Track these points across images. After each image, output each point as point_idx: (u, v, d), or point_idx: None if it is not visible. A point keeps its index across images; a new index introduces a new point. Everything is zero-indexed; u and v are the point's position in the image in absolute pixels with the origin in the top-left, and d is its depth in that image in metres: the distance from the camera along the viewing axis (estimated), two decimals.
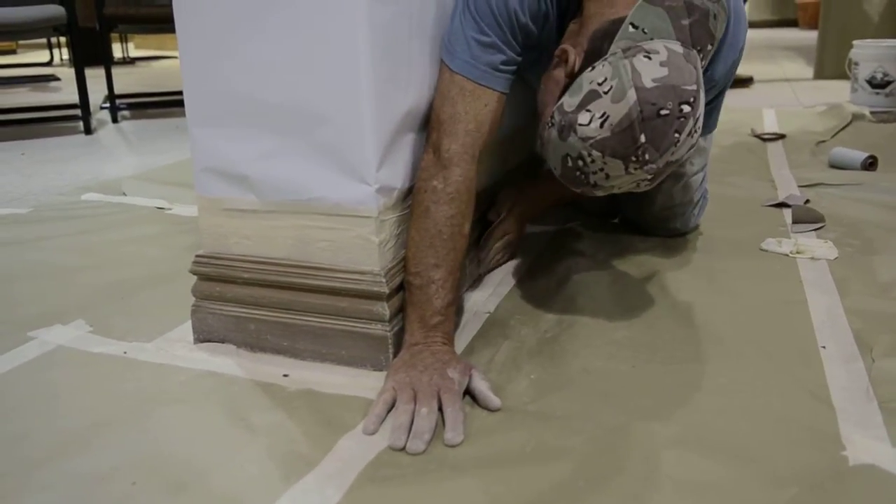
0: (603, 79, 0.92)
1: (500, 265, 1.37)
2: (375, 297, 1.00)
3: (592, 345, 1.07)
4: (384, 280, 0.99)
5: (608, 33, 0.95)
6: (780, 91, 3.57)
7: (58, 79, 4.92)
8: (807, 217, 1.58)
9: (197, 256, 1.09)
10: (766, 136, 2.47)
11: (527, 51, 1.08)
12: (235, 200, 1.05)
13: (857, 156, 2.03)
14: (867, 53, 3.11)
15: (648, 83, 0.90)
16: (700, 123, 0.95)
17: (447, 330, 0.99)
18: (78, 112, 3.02)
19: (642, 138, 0.90)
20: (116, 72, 3.32)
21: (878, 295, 1.21)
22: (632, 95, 0.89)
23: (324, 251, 1.02)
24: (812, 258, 1.37)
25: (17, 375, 1.03)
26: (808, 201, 1.70)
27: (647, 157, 0.91)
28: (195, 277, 1.10)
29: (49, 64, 6.41)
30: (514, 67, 1.07)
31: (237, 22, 0.96)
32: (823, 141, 2.38)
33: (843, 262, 1.35)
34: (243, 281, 1.06)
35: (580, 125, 0.92)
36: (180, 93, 1.06)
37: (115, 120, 3.28)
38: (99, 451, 0.85)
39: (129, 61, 6.77)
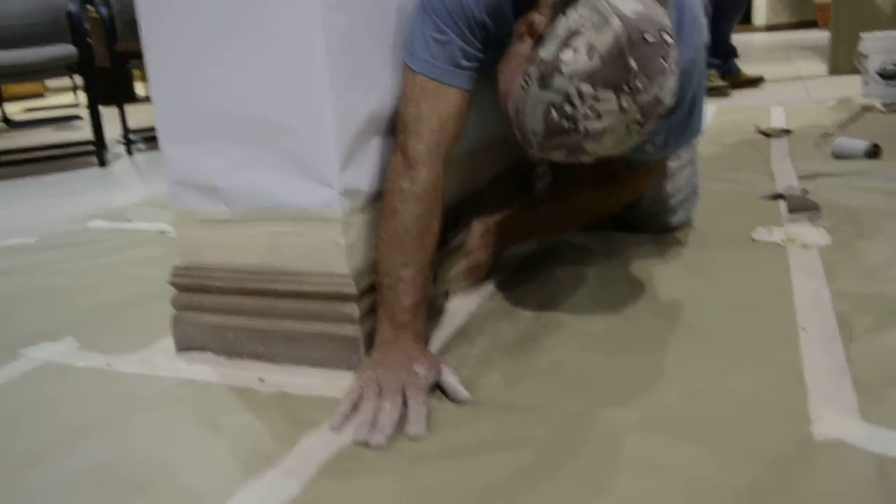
0: (580, 17, 0.89)
1: (463, 289, 1.27)
2: (345, 298, 1.01)
3: (567, 338, 1.06)
4: (353, 281, 1.00)
5: None
6: (792, 89, 3.53)
7: (80, 118, 5.05)
8: (801, 206, 1.56)
9: (175, 269, 1.11)
10: (771, 132, 2.44)
11: (487, 49, 1.08)
12: (208, 211, 1.07)
13: (860, 145, 2.00)
14: (876, 45, 3.06)
15: (629, 12, 0.88)
16: (676, 67, 0.92)
17: (417, 327, 1.00)
18: (93, 148, 3.10)
19: (633, 63, 0.87)
20: (138, 108, 3.40)
21: (865, 277, 1.19)
22: (616, 22, 0.87)
23: (294, 256, 1.03)
24: (804, 245, 1.35)
25: (2, 390, 1.06)
26: (805, 192, 1.67)
27: (639, 84, 0.88)
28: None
29: (74, 106, 6.57)
30: (475, 64, 1.08)
31: (202, 40, 0.99)
32: (829, 134, 2.35)
33: (835, 248, 1.33)
34: (219, 290, 1.08)
35: (565, 63, 0.88)
36: None
37: (129, 153, 3.36)
38: (70, 455, 0.87)
39: (148, 99, 6.91)
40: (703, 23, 1.15)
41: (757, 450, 0.77)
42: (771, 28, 8.80)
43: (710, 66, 3.53)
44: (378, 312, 1.01)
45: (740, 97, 3.41)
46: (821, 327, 1.03)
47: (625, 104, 0.89)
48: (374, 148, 1.06)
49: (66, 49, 2.91)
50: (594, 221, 1.47)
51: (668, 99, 0.93)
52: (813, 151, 2.14)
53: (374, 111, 1.04)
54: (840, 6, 3.96)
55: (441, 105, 1.06)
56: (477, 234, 1.29)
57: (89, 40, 3.14)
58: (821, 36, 5.65)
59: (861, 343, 0.97)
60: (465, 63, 1.06)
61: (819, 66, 4.27)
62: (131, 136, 3.41)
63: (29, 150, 3.58)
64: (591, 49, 0.87)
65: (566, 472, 0.76)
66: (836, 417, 0.81)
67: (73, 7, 2.98)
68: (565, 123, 0.91)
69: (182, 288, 1.11)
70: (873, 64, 3.05)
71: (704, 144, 2.21)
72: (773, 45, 6.01)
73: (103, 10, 3.24)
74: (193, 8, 0.98)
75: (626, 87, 0.88)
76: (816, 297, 1.13)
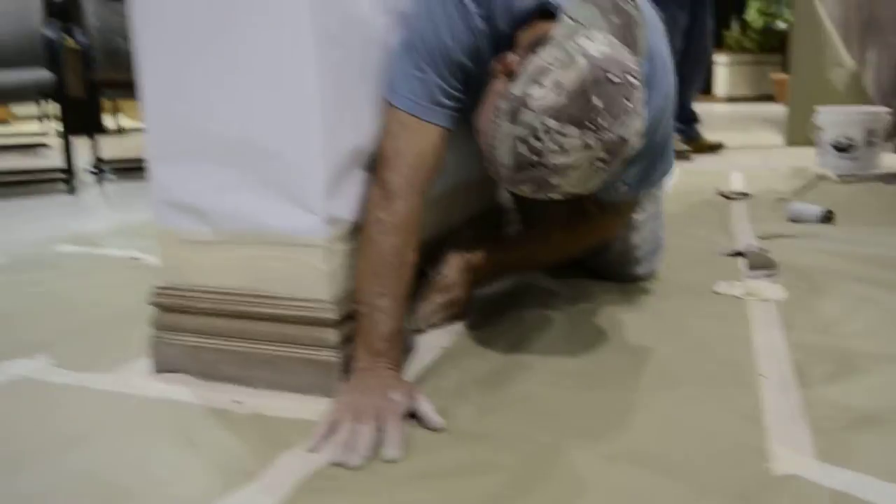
0: (550, 56, 0.94)
1: (440, 325, 1.31)
2: (324, 323, 1.03)
3: (537, 375, 1.10)
4: (333, 307, 1.03)
5: (544, 38, 0.98)
6: (751, 156, 3.68)
7: (47, 146, 5.02)
8: (760, 263, 1.63)
9: (156, 288, 1.13)
10: (731, 195, 2.54)
11: (468, 90, 1.13)
12: (191, 232, 1.09)
13: (815, 210, 2.09)
14: (831, 119, 3.21)
15: (595, 53, 0.93)
16: (643, 110, 0.97)
17: (393, 356, 1.02)
18: (63, 175, 3.08)
19: (596, 101, 0.91)
20: (106, 140, 3.40)
21: (821, 331, 1.25)
22: (582, 61, 0.92)
23: (276, 280, 1.06)
24: (762, 299, 1.41)
25: None
26: (764, 250, 1.75)
27: (602, 122, 0.92)
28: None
29: (41, 134, 6.52)
30: (454, 104, 1.13)
31: (195, 65, 1.02)
32: (785, 199, 2.45)
33: (791, 302, 1.39)
34: (199, 311, 1.09)
35: (533, 98, 0.93)
36: None
37: (99, 182, 3.34)
38: (52, 462, 0.87)
39: (120, 131, 6.89)
40: (671, 70, 1.23)
41: (719, 482, 0.80)
42: (731, 99, 9.14)
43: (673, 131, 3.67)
44: (355, 341, 1.04)
45: (701, 162, 3.53)
46: (778, 374, 1.08)
47: (589, 140, 0.93)
48: (358, 180, 1.10)
49: (42, 74, 2.91)
50: (565, 261, 1.51)
51: (634, 140, 0.97)
52: (770, 214, 2.23)
53: (359, 144, 1.08)
54: (797, 82, 4.15)
55: (420, 140, 1.10)
56: (455, 269, 1.33)
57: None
58: (777, 109, 5.88)
59: (816, 391, 1.02)
60: (444, 101, 1.11)
61: (776, 138, 4.45)
62: (101, 167, 3.40)
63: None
64: (557, 86, 0.92)
65: (536, 497, 0.78)
66: (792, 456, 0.85)
67: (51, 33, 3.00)
68: (532, 157, 0.95)
69: (162, 308, 1.12)
70: (828, 136, 3.20)
71: (668, 203, 2.29)
72: (733, 115, 6.24)
73: (83, 40, 3.26)
74: (190, 34, 1.02)
75: (589, 124, 0.92)
76: (774, 346, 1.19)
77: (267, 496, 0.79)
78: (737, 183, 2.81)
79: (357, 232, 1.09)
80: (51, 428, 0.97)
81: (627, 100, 0.94)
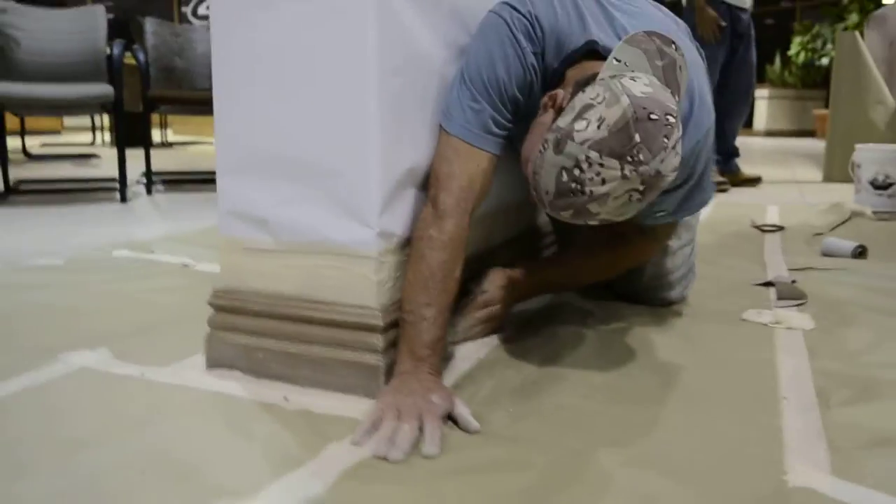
0: (595, 94, 1.02)
1: (479, 337, 1.36)
2: (371, 329, 1.10)
3: (569, 387, 1.16)
4: (380, 314, 1.10)
5: (591, 78, 1.08)
6: (788, 190, 3.70)
7: (97, 156, 5.20)
8: (790, 294, 1.68)
9: (214, 290, 1.21)
10: (765, 228, 2.58)
11: (517, 120, 1.22)
12: (254, 241, 1.17)
13: (848, 245, 2.13)
14: (870, 156, 3.24)
15: (638, 93, 1.01)
16: (680, 148, 1.04)
17: (434, 362, 1.09)
18: (115, 185, 3.22)
19: (637, 137, 0.99)
20: (155, 153, 3.55)
21: (845, 360, 1.29)
22: (625, 100, 1.00)
23: (328, 288, 1.13)
24: (789, 328, 1.46)
25: (45, 389, 1.14)
26: (794, 282, 1.79)
27: (641, 157, 0.99)
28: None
29: (91, 144, 6.74)
30: (504, 132, 1.21)
31: (268, 88, 1.12)
32: (820, 233, 2.48)
33: (818, 332, 1.44)
34: (254, 313, 1.17)
35: (577, 131, 1.01)
36: (212, 172, 1.20)
37: (149, 192, 3.48)
38: (110, 448, 0.95)
39: (167, 145, 7.11)
40: (710, 107, 1.30)
41: (737, 490, 0.86)
42: (770, 134, 9.11)
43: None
44: (399, 346, 1.11)
45: (738, 194, 3.57)
46: (799, 397, 1.13)
47: (627, 172, 1.00)
48: (410, 197, 1.18)
49: (105, 88, 3.06)
50: (601, 282, 1.57)
51: (670, 174, 1.04)
52: (804, 248, 2.27)
53: (414, 165, 1.16)
54: (837, 118, 4.18)
55: (471, 165, 1.18)
56: (497, 285, 1.39)
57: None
58: (817, 145, 5.88)
59: (836, 413, 1.07)
60: (495, 130, 1.19)
61: (814, 173, 4.47)
62: (152, 178, 3.54)
63: (51, 181, 3.71)
64: (601, 121, 1.00)
65: (566, 496, 0.84)
66: (808, 471, 0.90)
67: (115, 51, 3.15)
68: (573, 185, 1.03)
69: (219, 308, 1.20)
70: (866, 174, 3.22)
71: (703, 233, 2.34)
72: (772, 149, 6.25)
73: (141, 57, 3.41)
74: (264, 59, 1.11)
75: (629, 158, 1.00)
76: (797, 371, 1.23)
77: (316, 481, 0.86)
78: (772, 216, 2.84)
79: (406, 245, 1.17)
80: (114, 412, 1.06)
81: (666, 137, 1.01)
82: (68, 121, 9.18)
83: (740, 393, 1.15)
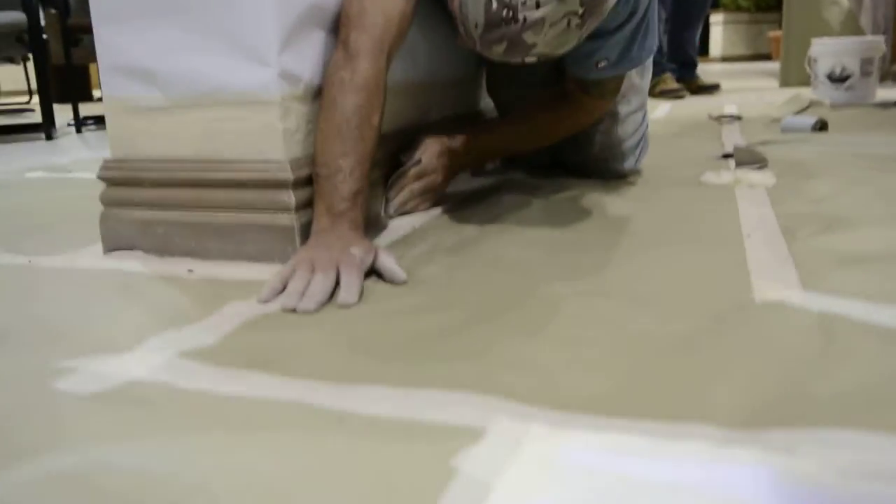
0: None
1: (415, 210, 1.24)
2: (281, 185, 0.97)
3: (511, 240, 1.04)
4: (289, 167, 0.97)
5: None
6: (746, 95, 3.60)
7: (32, 111, 4.93)
8: (750, 158, 1.57)
9: (105, 161, 1.07)
10: (723, 118, 2.47)
11: None
12: (142, 98, 1.02)
13: (808, 120, 2.03)
14: (825, 49, 3.14)
15: None
16: None
17: (354, 217, 0.96)
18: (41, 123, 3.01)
19: None
20: (94, 106, 3.31)
21: (811, 205, 1.19)
22: None
23: (231, 143, 0.99)
24: (750, 185, 1.35)
25: None
26: (752, 146, 1.68)
27: None
28: None
29: (27, 103, 6.44)
30: None
31: None
32: (778, 119, 2.38)
33: (781, 187, 1.33)
34: (151, 182, 1.03)
35: None
36: None
37: (79, 131, 3.27)
38: None
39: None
40: None
41: (700, 309, 0.74)
42: (726, 59, 9.04)
43: (665, 69, 3.59)
44: (315, 204, 0.98)
45: (695, 100, 3.46)
46: (765, 234, 1.02)
47: None
48: (317, 40, 1.03)
49: (17, 16, 2.83)
50: (546, 145, 1.44)
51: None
52: (762, 130, 2.17)
53: (318, 0, 1.02)
54: (790, 20, 4.07)
55: (386, 1, 1.04)
56: (432, 153, 1.24)
57: (45, 36, 3.10)
58: (774, 66, 5.80)
59: (803, 243, 0.96)
60: None
61: (772, 83, 4.38)
62: (83, 119, 3.33)
63: None
64: None
65: (499, 323, 0.73)
66: (777, 287, 0.80)
67: None
68: (504, 13, 0.91)
69: (110, 181, 1.06)
70: (822, 68, 3.12)
71: (657, 127, 2.23)
72: (729, 71, 6.16)
73: None
74: None
75: None
76: (761, 216, 1.12)
77: (207, 334, 0.73)
78: (730, 109, 2.74)
79: (317, 96, 1.03)
80: None
81: None
82: (5, 83, 8.80)
83: (700, 235, 1.04)
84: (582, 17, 0.93)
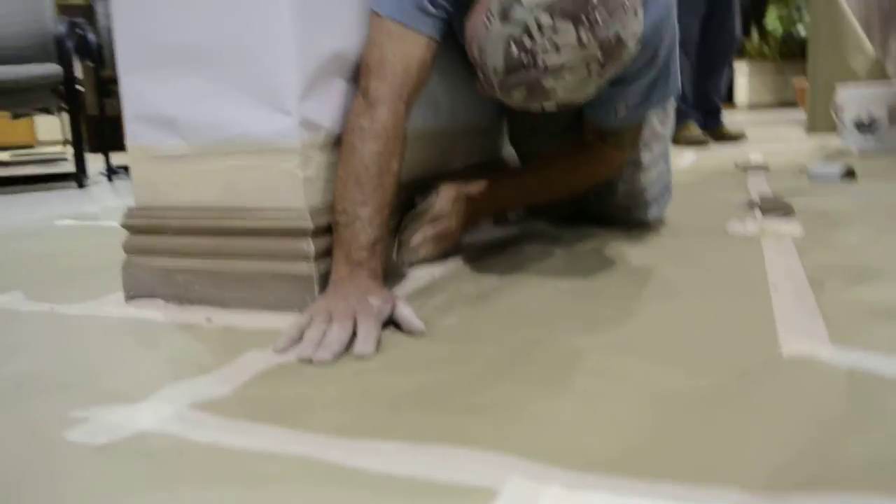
0: None
1: (428, 258, 1.19)
2: (301, 233, 0.97)
3: (532, 291, 1.02)
4: (309, 216, 0.97)
5: None
6: (772, 143, 3.58)
7: (66, 160, 5.04)
8: (775, 206, 1.55)
9: (128, 209, 1.07)
10: (748, 167, 2.45)
11: (457, 8, 1.08)
12: (164, 146, 1.03)
13: (835, 168, 2.00)
14: (852, 97, 3.12)
15: None
16: (641, 14, 0.92)
17: (373, 266, 0.95)
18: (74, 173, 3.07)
19: None
20: (125, 155, 3.36)
21: (839, 255, 1.16)
22: None
23: (251, 191, 1.00)
24: (777, 236, 1.33)
25: None
26: (778, 196, 1.66)
27: (598, 17, 0.87)
28: None
29: (62, 152, 6.58)
30: (441, 13, 1.07)
31: None
32: (805, 168, 2.36)
33: (808, 237, 1.30)
34: (172, 230, 1.04)
35: None
36: None
37: (110, 180, 3.33)
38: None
39: None
40: None
41: (726, 366, 0.72)
42: (752, 107, 9.04)
43: (690, 117, 3.58)
44: (334, 252, 0.97)
45: (721, 149, 3.44)
46: (792, 285, 1.00)
47: (584, 37, 0.88)
48: (338, 88, 1.04)
49: (52, 68, 2.91)
50: (567, 197, 1.42)
51: (631, 42, 0.92)
52: (789, 178, 2.14)
53: (339, 50, 1.03)
54: (817, 67, 4.06)
55: (406, 49, 1.04)
56: (447, 199, 1.22)
57: (80, 88, 3.17)
58: (800, 115, 5.79)
59: (831, 295, 0.94)
60: (430, 9, 1.05)
61: (798, 132, 4.35)
62: (115, 168, 3.39)
63: (10, 178, 3.56)
64: None
65: (517, 377, 0.71)
66: (805, 341, 0.77)
67: (61, 29, 3.00)
68: (524, 58, 0.90)
69: (133, 230, 1.07)
70: (849, 115, 3.10)
71: (681, 175, 2.22)
72: (755, 119, 6.15)
73: (91, 37, 3.26)
74: None
75: (584, 19, 0.87)
76: (789, 267, 1.10)
77: (223, 384, 0.72)
78: (756, 159, 2.72)
79: (337, 144, 1.03)
80: (12, 339, 0.92)
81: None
82: (42, 133, 9.02)
83: (726, 286, 1.01)
84: (602, 63, 0.92)
